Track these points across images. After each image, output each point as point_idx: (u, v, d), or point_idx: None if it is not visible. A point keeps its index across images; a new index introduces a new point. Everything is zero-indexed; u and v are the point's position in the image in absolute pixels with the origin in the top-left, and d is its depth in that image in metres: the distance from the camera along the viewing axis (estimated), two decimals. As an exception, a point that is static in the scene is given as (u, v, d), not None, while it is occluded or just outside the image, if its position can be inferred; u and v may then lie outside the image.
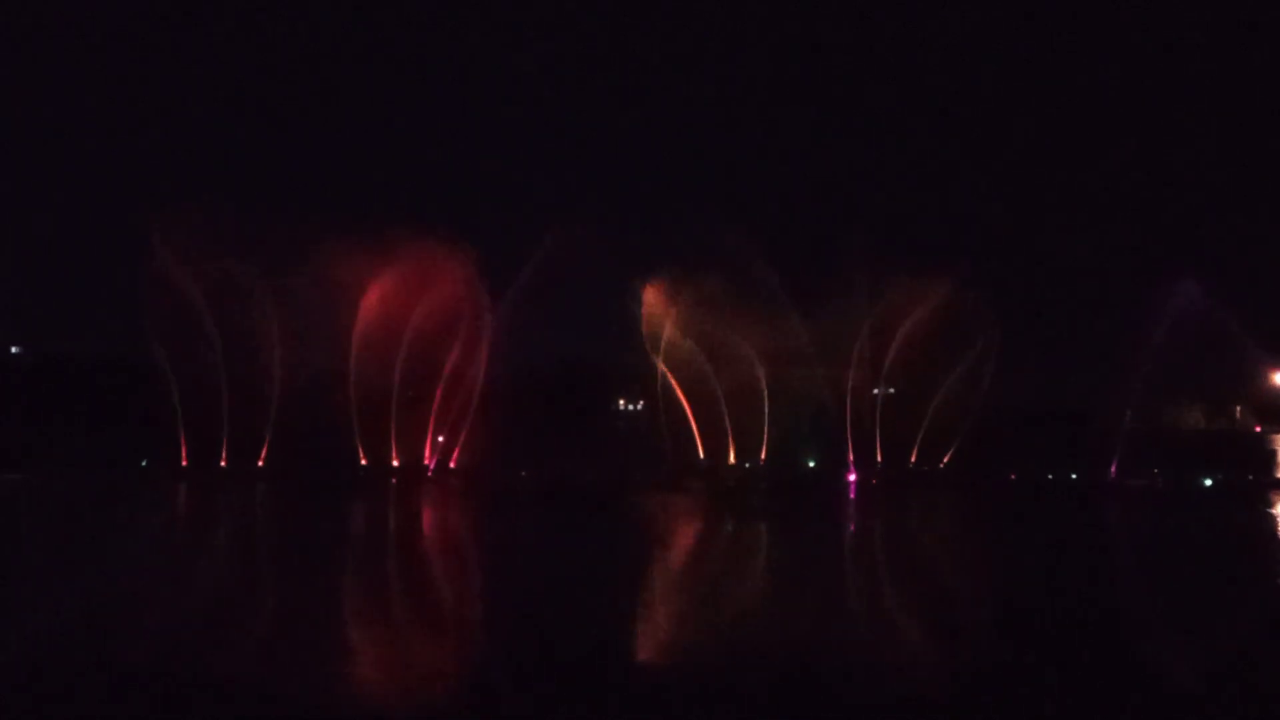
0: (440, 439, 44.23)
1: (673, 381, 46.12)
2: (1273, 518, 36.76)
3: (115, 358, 55.34)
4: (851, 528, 34.37)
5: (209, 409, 43.36)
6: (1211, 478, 42.96)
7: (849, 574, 25.82)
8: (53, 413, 51.73)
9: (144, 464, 44.09)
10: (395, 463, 43.82)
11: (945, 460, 45.50)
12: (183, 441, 43.30)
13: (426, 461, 44.10)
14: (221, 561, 26.04)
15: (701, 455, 46.22)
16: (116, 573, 22.86)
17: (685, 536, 32.19)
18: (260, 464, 43.41)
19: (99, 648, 16.06)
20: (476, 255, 43.98)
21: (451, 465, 44.21)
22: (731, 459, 46.02)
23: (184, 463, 43.17)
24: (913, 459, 45.64)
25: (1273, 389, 48.38)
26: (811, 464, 46.17)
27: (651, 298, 45.36)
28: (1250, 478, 43.69)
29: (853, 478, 44.28)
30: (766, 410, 45.72)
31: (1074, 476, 44.00)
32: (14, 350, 62.47)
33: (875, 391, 46.48)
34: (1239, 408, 53.89)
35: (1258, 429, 52.65)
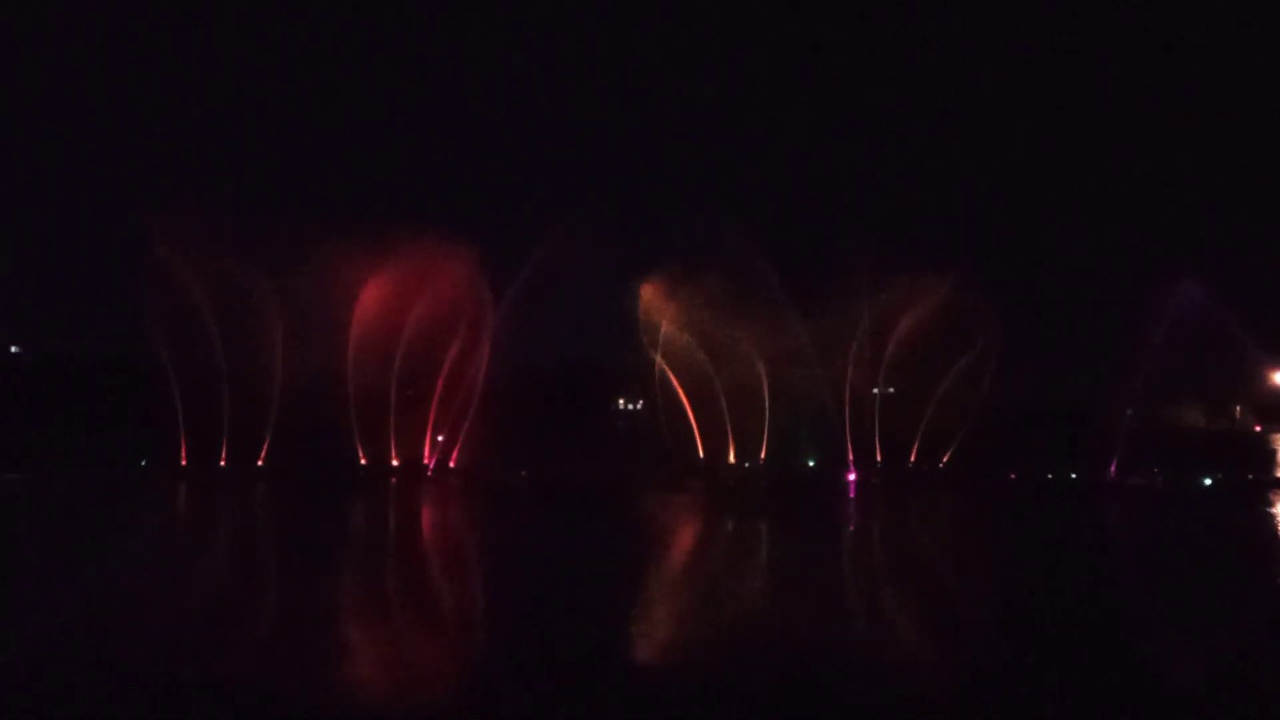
0: (440, 438, 44.22)
1: (673, 379, 46.12)
2: (1273, 517, 36.75)
3: (115, 358, 55.36)
4: (851, 527, 34.37)
5: (209, 409, 43.33)
6: (1211, 477, 42.96)
7: (849, 574, 25.83)
8: (52, 412, 51.75)
9: (143, 464, 44.09)
10: (395, 462, 43.81)
11: (945, 460, 45.50)
12: (182, 441, 43.28)
13: (426, 461, 44.09)
14: (220, 561, 26.04)
15: (701, 455, 46.22)
16: (114, 573, 22.85)
17: (685, 536, 32.20)
18: (260, 463, 43.40)
19: (96, 648, 16.05)
20: (477, 254, 44.00)
21: (451, 465, 44.20)
22: (731, 458, 46.02)
23: (183, 462, 43.14)
24: (912, 458, 45.63)
25: (1272, 389, 48.37)
26: (811, 463, 46.16)
27: (651, 295, 45.36)
28: (1250, 477, 43.70)
29: (852, 477, 44.27)
30: (767, 410, 45.71)
31: (1074, 476, 43.99)
32: (14, 350, 62.47)
33: (875, 391, 46.47)
34: (1239, 407, 53.90)
35: (1258, 428, 52.68)
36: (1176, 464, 44.16)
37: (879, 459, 45.49)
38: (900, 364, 45.86)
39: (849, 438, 45.11)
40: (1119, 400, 44.26)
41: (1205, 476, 42.97)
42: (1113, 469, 43.11)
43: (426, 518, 35.42)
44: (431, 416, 44.06)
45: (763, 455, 45.92)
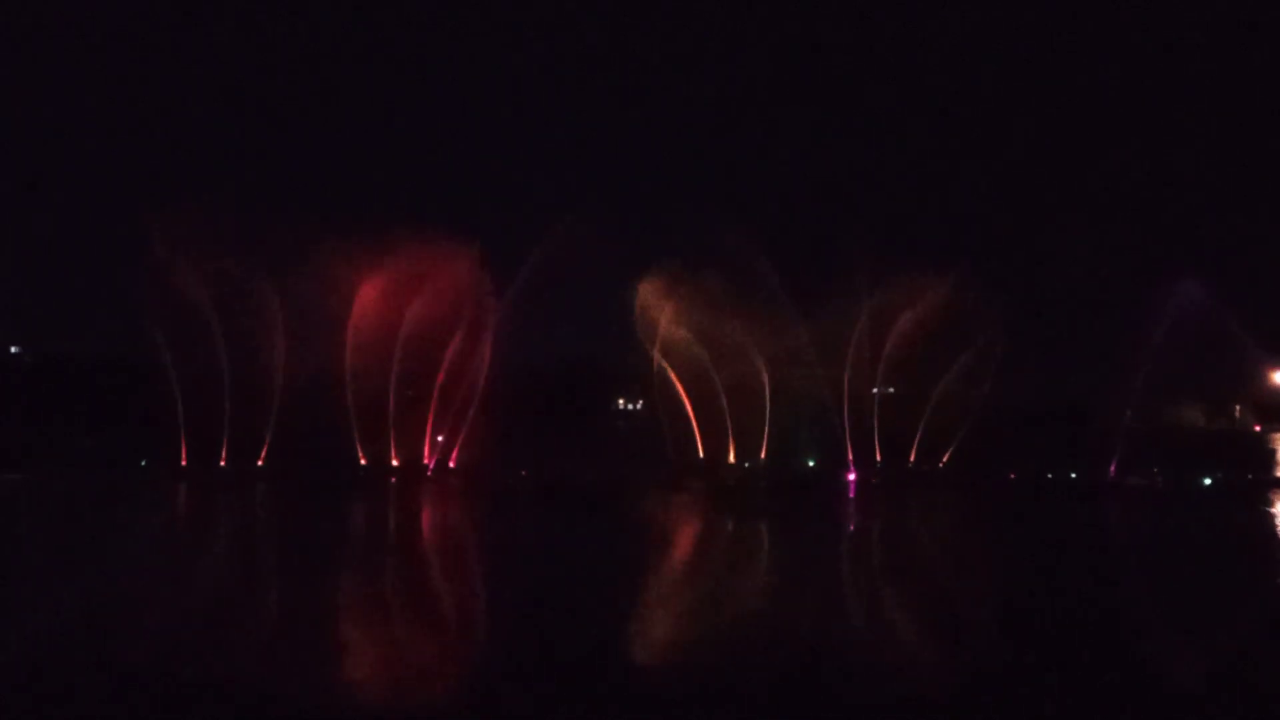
0: (440, 439, 44.21)
1: (673, 378, 46.11)
2: (1273, 517, 36.74)
3: (115, 358, 55.33)
4: (851, 527, 34.37)
5: (209, 408, 43.31)
6: (1211, 477, 42.96)
7: (848, 574, 25.82)
8: (52, 412, 51.73)
9: (143, 464, 44.08)
10: (395, 462, 43.80)
11: (945, 460, 45.50)
12: (183, 441, 43.27)
13: (426, 461, 44.08)
14: (218, 562, 26.02)
15: (701, 455, 46.22)
16: (111, 573, 22.82)
17: (685, 536, 32.21)
18: (260, 464, 43.38)
19: (92, 648, 16.04)
20: (477, 254, 43.99)
21: (451, 465, 44.18)
22: (731, 458, 46.02)
23: (183, 463, 43.13)
24: (912, 459, 45.63)
25: (1272, 388, 48.35)
26: (811, 463, 46.16)
27: (651, 294, 45.33)
28: (1250, 477, 43.70)
29: (852, 477, 44.27)
30: (767, 410, 45.70)
31: (1073, 476, 43.99)
32: (13, 350, 62.46)
33: (875, 391, 46.46)
34: (1239, 407, 53.88)
35: (1257, 428, 52.66)
36: (1176, 464, 44.16)
37: (878, 459, 45.49)
38: (900, 364, 45.85)
39: (848, 438, 45.11)
40: (1119, 400, 44.25)
41: (1205, 476, 42.97)
42: (1112, 469, 43.10)
43: (426, 518, 35.43)
44: (430, 416, 44.05)
45: (763, 455, 45.93)
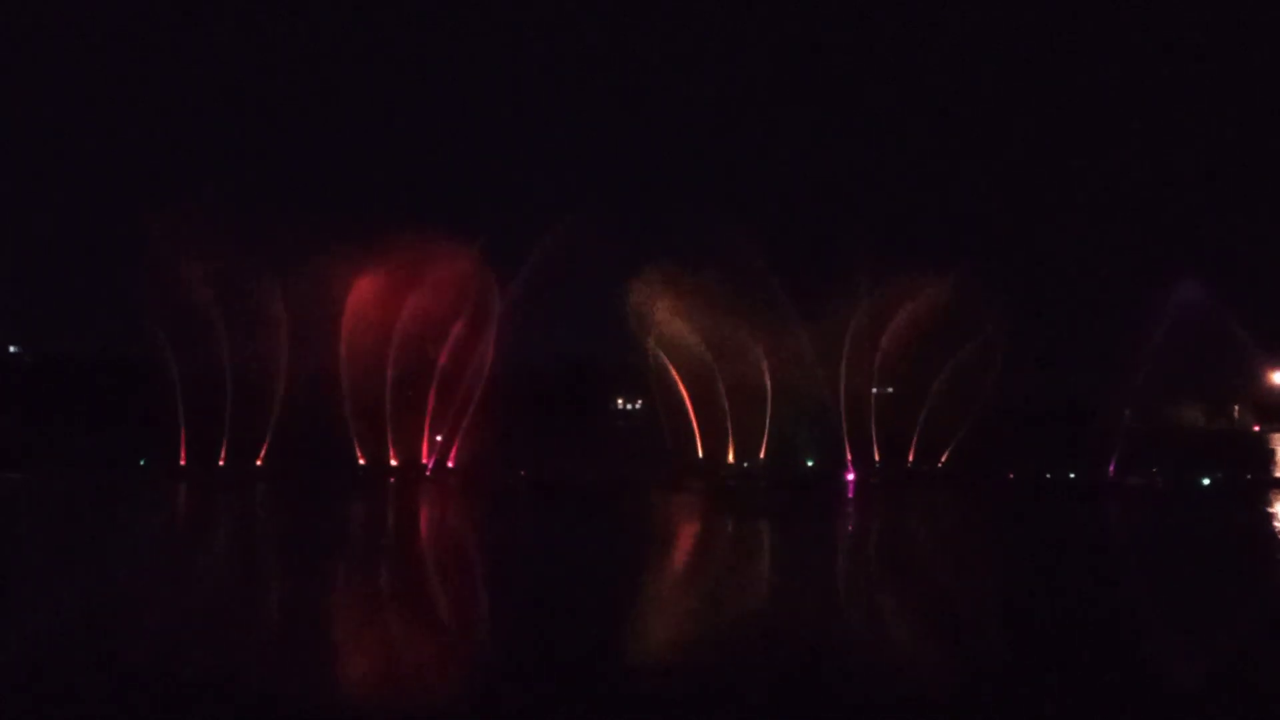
0: (438, 439, 44.19)
1: (675, 376, 46.08)
2: (1272, 517, 36.72)
3: (114, 357, 55.28)
4: (850, 528, 34.34)
5: (208, 408, 43.28)
6: (1211, 477, 42.93)
7: (847, 575, 25.79)
8: (51, 412, 51.68)
9: (142, 464, 44.05)
10: (393, 463, 43.77)
11: (944, 460, 45.48)
12: (182, 441, 43.24)
13: (425, 461, 44.05)
14: (214, 563, 25.96)
15: (700, 454, 46.19)
16: (105, 575, 22.75)
17: (684, 536, 32.19)
18: (259, 464, 43.36)
19: (86, 649, 16.01)
20: (477, 254, 43.94)
21: (450, 465, 44.16)
22: (730, 458, 46.00)
23: (182, 463, 43.10)
24: (911, 458, 45.60)
25: (1272, 388, 48.32)
26: (810, 463, 46.14)
27: (650, 293, 45.26)
28: (1249, 477, 43.66)
29: (851, 477, 44.25)
30: (768, 410, 45.68)
31: (1073, 476, 43.96)
32: (12, 350, 62.41)
33: (874, 391, 46.42)
34: (1238, 407, 53.86)
35: (1257, 428, 52.63)
36: (1176, 464, 44.13)
37: (877, 459, 45.47)
38: (899, 364, 45.81)
39: (846, 438, 45.08)
40: (1118, 400, 44.23)
41: (1205, 476, 42.94)
42: (1112, 469, 43.08)
43: (424, 518, 35.39)
44: (428, 416, 44.01)
45: (762, 455, 45.90)
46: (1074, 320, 51.26)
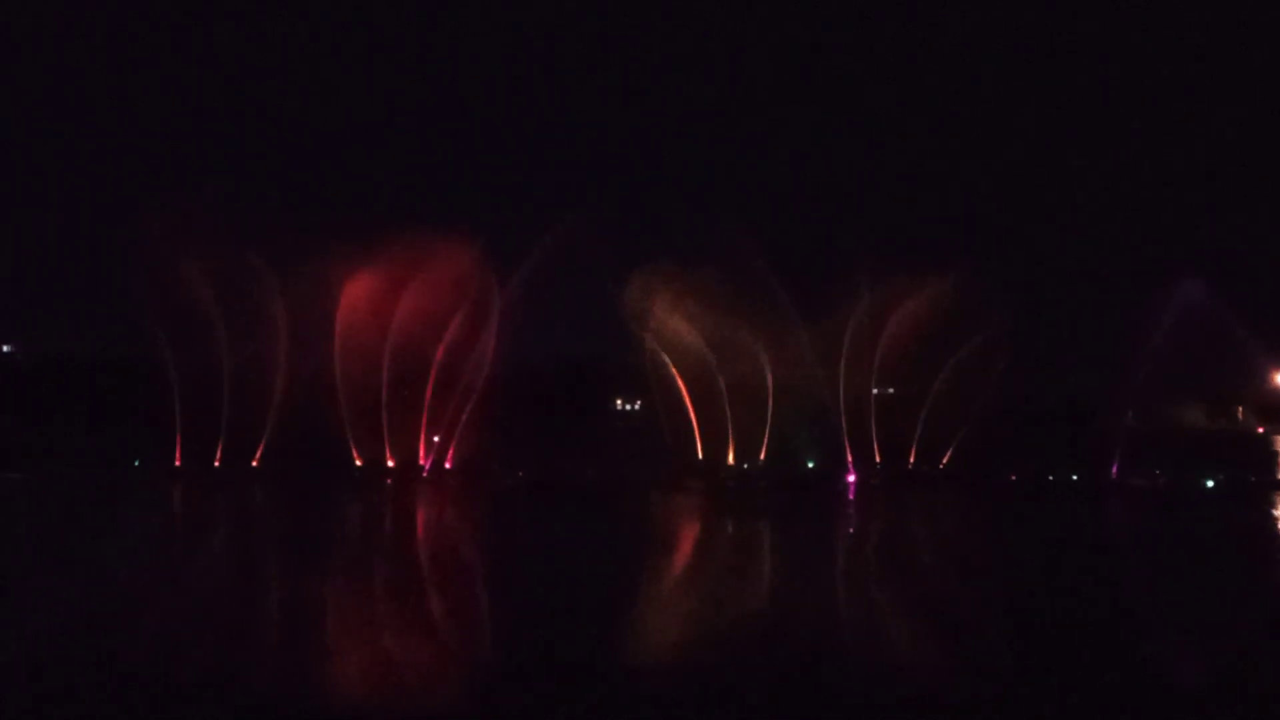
0: (435, 439, 43.96)
1: (676, 375, 45.86)
2: (1276, 519, 36.48)
3: (110, 357, 55.07)
4: (851, 529, 34.07)
5: (205, 408, 43.07)
6: (1214, 479, 42.68)
7: (849, 577, 25.50)
8: (45, 411, 51.45)
9: (137, 464, 43.82)
10: (390, 463, 43.55)
11: (945, 460, 45.24)
12: (177, 442, 43.02)
13: (422, 462, 43.81)
14: (203, 565, 25.66)
15: (700, 455, 45.95)
16: (91, 577, 22.46)
17: (684, 538, 31.93)
18: (255, 464, 43.13)
19: (71, 651, 15.78)
20: (477, 254, 43.76)
21: (447, 465, 43.91)
22: (731, 459, 45.76)
23: (177, 463, 42.87)
24: (912, 459, 45.37)
25: (1275, 389, 48.06)
26: (811, 464, 45.90)
27: (650, 293, 45.00)
28: (1253, 479, 43.40)
29: (852, 478, 44.01)
30: (770, 411, 45.46)
31: (1075, 477, 43.71)
32: (5, 349, 62.22)
33: (875, 391, 46.20)
34: (1241, 408, 53.60)
35: (1260, 430, 52.39)
36: (1178, 465, 43.89)
37: (878, 460, 45.23)
38: (900, 364, 45.60)
39: (846, 439, 44.86)
40: (1120, 400, 44.00)
41: (1207, 478, 42.69)
42: (1114, 470, 42.85)
43: (419, 519, 35.13)
44: (424, 416, 43.80)
45: (762, 456, 45.67)
46: (1075, 320, 51.07)
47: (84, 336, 58.07)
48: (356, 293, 43.84)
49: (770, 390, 45.69)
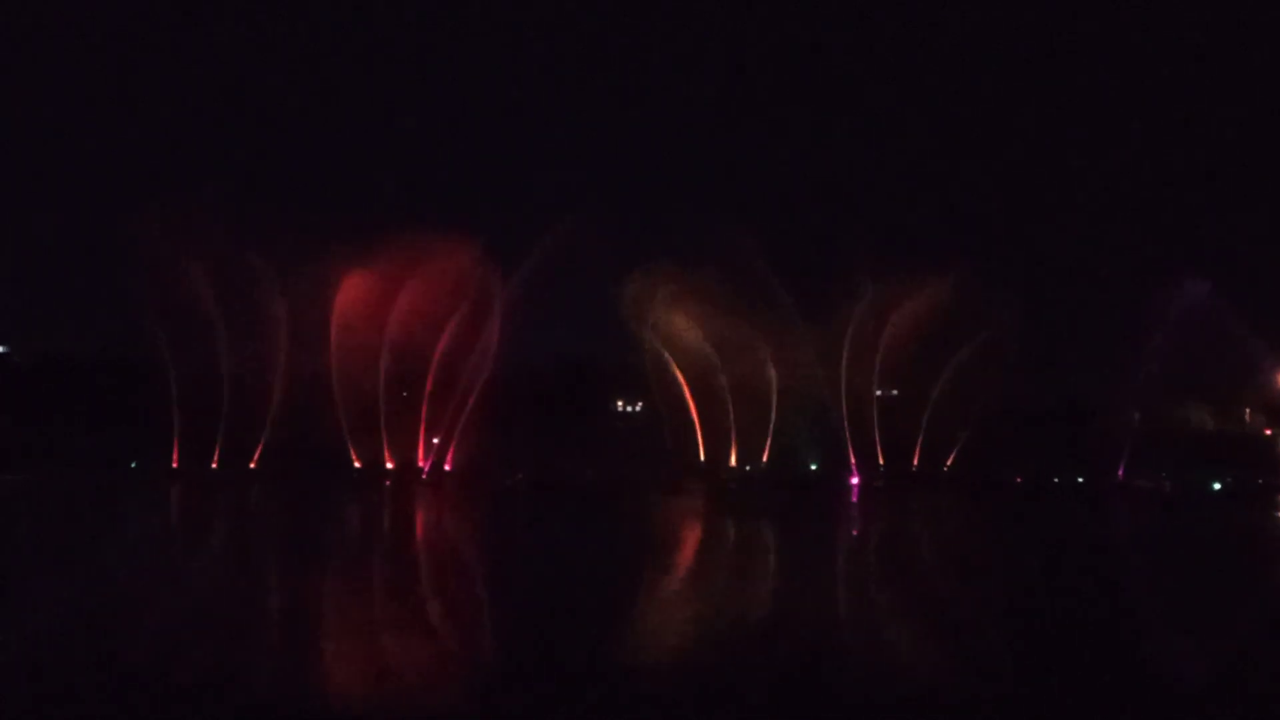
0: (435, 440, 43.66)
1: (678, 374, 45.57)
2: (1284, 521, 36.21)
3: (108, 357, 54.75)
4: (855, 532, 33.64)
5: (203, 409, 42.82)
6: (1221, 480, 42.37)
7: (851, 582, 25.10)
8: (42, 412, 51.11)
9: (134, 465, 43.49)
10: (389, 465, 43.24)
11: (949, 462, 44.95)
12: (175, 443, 42.74)
13: (421, 463, 43.49)
14: (196, 567, 25.24)
15: (702, 457, 45.65)
16: (84, 579, 22.12)
17: (685, 540, 31.50)
18: (253, 466, 42.81)
19: (61, 652, 15.46)
20: (477, 254, 43.55)
21: (447, 467, 43.58)
22: (733, 460, 45.45)
23: (175, 464, 42.55)
24: (915, 461, 45.08)
25: (1281, 390, 47.78)
26: (813, 466, 45.59)
27: (650, 288, 44.68)
28: (1260, 481, 43.07)
29: (855, 480, 43.73)
30: (773, 412, 45.19)
31: (1080, 479, 43.40)
32: (1, 350, 61.96)
33: (878, 393, 45.95)
34: (1248, 409, 53.30)
35: (1268, 431, 52.07)
36: (1184, 467, 43.56)
37: (881, 461, 44.95)
38: (902, 365, 45.37)
39: (848, 440, 44.61)
40: (1124, 401, 43.74)
41: (1214, 480, 42.38)
42: (1120, 471, 42.58)
43: (419, 521, 34.74)
44: (423, 417, 43.51)
45: (765, 457, 45.37)
46: (1076, 320, 50.79)
47: (82, 337, 57.84)
48: (356, 293, 43.61)
49: (772, 391, 45.46)
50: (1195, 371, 45.77)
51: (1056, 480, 43.54)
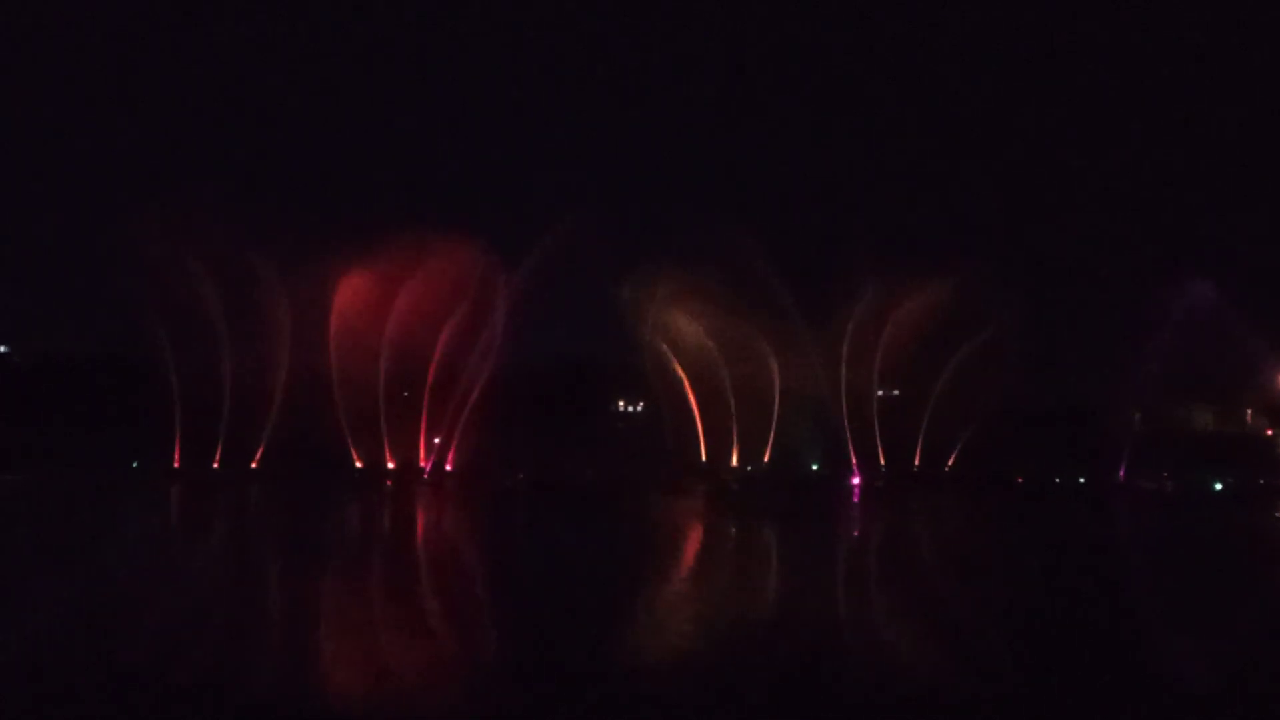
0: (436, 440, 43.56)
1: (678, 371, 45.46)
2: (1286, 522, 36.10)
3: (108, 358, 54.70)
4: (856, 533, 33.54)
5: (203, 410, 42.70)
6: (1222, 481, 42.28)
7: (856, 587, 25.00)
8: (41, 412, 51.03)
9: (134, 465, 43.38)
10: (390, 465, 43.14)
11: (950, 462, 44.85)
12: (176, 443, 42.63)
13: (422, 464, 43.38)
14: (192, 568, 25.12)
15: (704, 457, 45.54)
16: (76, 580, 22.02)
17: (685, 542, 31.40)
18: (253, 466, 42.70)
19: (52, 652, 15.39)
20: (476, 255, 43.42)
21: (448, 467, 43.48)
22: (734, 460, 45.34)
23: (175, 464, 42.44)
24: (917, 461, 44.98)
25: (1283, 391, 47.67)
26: (815, 466, 45.48)
27: (650, 286, 44.56)
28: (1262, 481, 42.98)
29: (856, 481, 43.62)
30: (776, 412, 45.09)
31: (1081, 480, 43.30)
32: (1, 350, 61.88)
33: (880, 393, 45.85)
34: (1250, 410, 53.22)
35: (1270, 432, 51.99)
36: (1186, 467, 43.46)
37: (882, 462, 44.85)
38: (903, 366, 45.26)
39: (849, 440, 44.50)
40: (1127, 402, 43.63)
41: (1216, 480, 42.29)
42: (1121, 472, 42.48)
43: (416, 522, 34.61)
44: (424, 417, 43.40)
45: (766, 457, 45.26)
46: (1080, 320, 50.67)
47: (82, 337, 57.79)
48: (356, 293, 43.49)
49: (776, 391, 45.36)
50: (1197, 372, 45.69)
51: (1058, 481, 43.43)
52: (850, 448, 44.62)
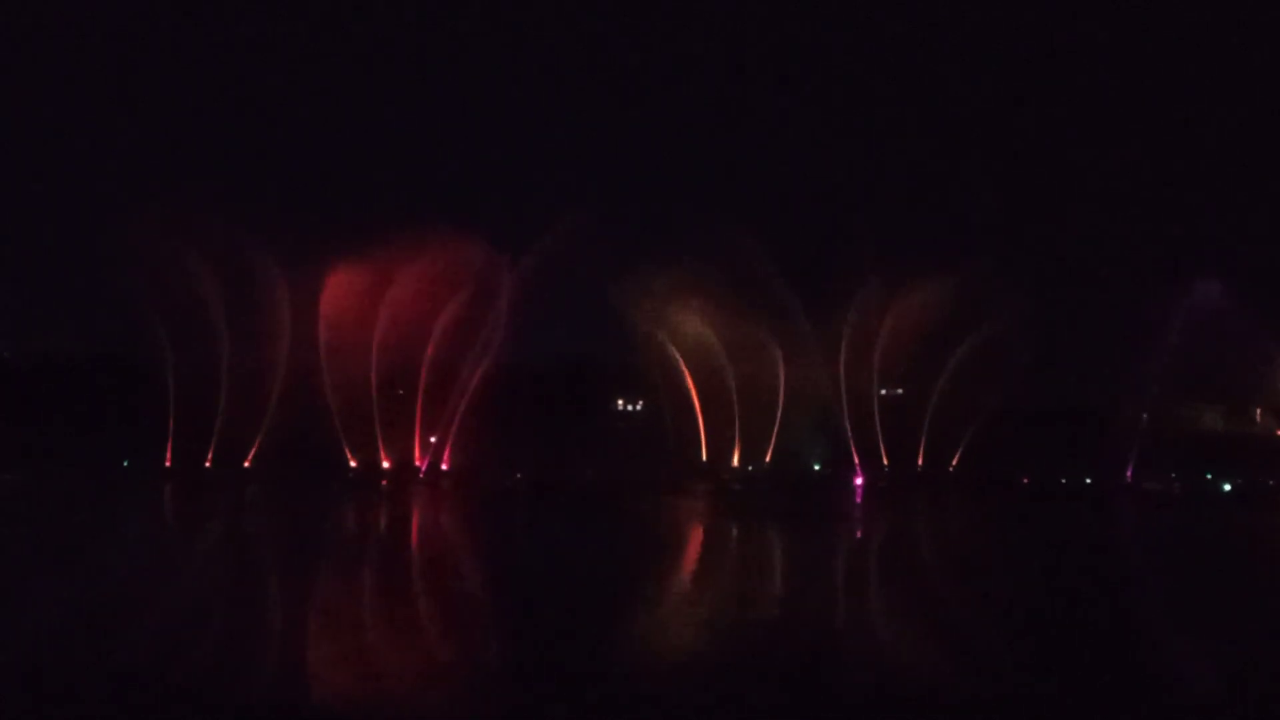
0: (432, 440, 43.11)
1: (682, 369, 45.06)
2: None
3: (104, 357, 54.40)
4: (858, 534, 32.96)
5: (198, 409, 42.35)
6: (1231, 482, 41.76)
7: (854, 587, 24.44)
8: (36, 412, 50.69)
9: (125, 465, 42.96)
10: (385, 464, 42.68)
11: (954, 463, 44.37)
12: (169, 443, 42.24)
13: (418, 463, 42.91)
14: (183, 570, 24.61)
15: (705, 457, 45.09)
16: (70, 580, 21.56)
17: (686, 543, 30.85)
18: (247, 465, 42.26)
19: (44, 651, 14.90)
20: (477, 253, 43.11)
21: (444, 467, 42.98)
22: (736, 460, 44.88)
23: (168, 464, 42.03)
24: (920, 461, 44.52)
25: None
26: (817, 466, 45.00)
27: (654, 288, 44.13)
28: (1271, 482, 42.43)
29: (859, 481, 43.14)
30: (779, 412, 44.67)
31: (1088, 481, 42.79)
32: (-2, 350, 61.65)
33: (883, 393, 45.42)
34: (1259, 410, 52.75)
35: (1278, 433, 51.50)
36: (1194, 468, 42.95)
37: (885, 462, 44.39)
38: (906, 365, 44.90)
39: (850, 441, 44.09)
40: (1135, 402, 43.18)
41: (1224, 481, 41.78)
42: (1128, 473, 41.99)
43: (413, 522, 34.06)
44: (419, 416, 43.00)
45: (768, 457, 44.80)
46: (1086, 321, 50.23)
47: (79, 337, 57.48)
48: (352, 293, 43.16)
49: (780, 391, 44.97)
50: (1204, 372, 45.21)
51: (1064, 481, 42.92)
52: (852, 448, 44.18)
